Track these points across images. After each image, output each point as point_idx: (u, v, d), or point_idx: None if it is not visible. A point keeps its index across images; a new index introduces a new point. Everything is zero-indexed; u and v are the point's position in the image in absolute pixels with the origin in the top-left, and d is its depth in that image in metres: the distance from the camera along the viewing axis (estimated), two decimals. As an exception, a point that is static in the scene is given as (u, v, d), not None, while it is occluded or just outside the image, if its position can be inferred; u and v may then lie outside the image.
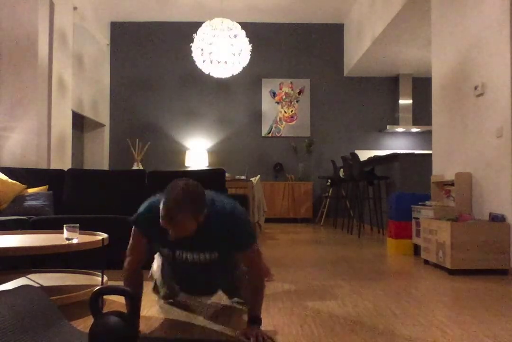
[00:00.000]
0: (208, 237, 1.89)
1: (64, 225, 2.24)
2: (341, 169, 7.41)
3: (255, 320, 1.88)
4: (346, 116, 8.64)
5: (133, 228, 1.97)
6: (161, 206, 1.72)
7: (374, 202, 6.12)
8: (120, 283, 1.95)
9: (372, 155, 6.98)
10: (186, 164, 8.36)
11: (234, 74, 6.12)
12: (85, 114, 7.27)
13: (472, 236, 3.25)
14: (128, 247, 1.99)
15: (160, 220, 1.72)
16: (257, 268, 1.96)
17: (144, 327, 1.97)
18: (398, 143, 8.63)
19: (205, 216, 1.82)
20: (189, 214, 1.70)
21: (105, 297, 2.46)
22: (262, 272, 1.99)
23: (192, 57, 6.08)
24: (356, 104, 8.66)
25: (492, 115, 3.55)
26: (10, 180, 3.78)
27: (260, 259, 1.98)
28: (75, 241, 2.20)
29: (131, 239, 1.98)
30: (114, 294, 1.71)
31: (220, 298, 2.48)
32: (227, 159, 8.56)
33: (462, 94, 4.04)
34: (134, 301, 1.67)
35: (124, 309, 1.81)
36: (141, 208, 1.94)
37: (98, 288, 1.67)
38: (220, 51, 5.72)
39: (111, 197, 3.89)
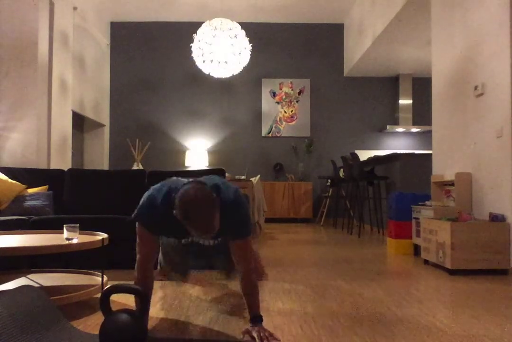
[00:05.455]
0: None
1: (64, 225, 2.24)
2: (341, 169, 7.42)
3: (255, 318, 1.90)
4: (346, 116, 8.64)
5: (137, 225, 1.93)
6: (193, 222, 1.69)
7: (374, 202, 6.12)
8: (122, 282, 1.95)
9: (372, 155, 6.98)
10: (186, 164, 8.36)
11: (234, 74, 6.12)
12: (85, 114, 7.26)
13: (472, 236, 3.25)
14: (137, 245, 1.95)
15: (198, 232, 1.71)
16: (245, 261, 1.96)
17: (144, 327, 1.97)
18: (398, 143, 8.63)
19: None
20: (217, 215, 1.73)
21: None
22: (250, 267, 1.98)
23: (192, 57, 6.08)
24: (356, 104, 8.66)
25: (492, 115, 3.55)
26: (10, 180, 3.78)
27: (250, 253, 1.98)
28: (75, 241, 2.20)
29: (137, 237, 1.94)
30: (125, 293, 1.70)
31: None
32: (227, 159, 8.56)
33: (462, 94, 4.04)
34: (144, 299, 1.69)
35: (122, 308, 1.80)
36: (142, 204, 1.90)
37: (109, 286, 1.67)
38: (220, 51, 5.72)
39: (111, 197, 3.89)
